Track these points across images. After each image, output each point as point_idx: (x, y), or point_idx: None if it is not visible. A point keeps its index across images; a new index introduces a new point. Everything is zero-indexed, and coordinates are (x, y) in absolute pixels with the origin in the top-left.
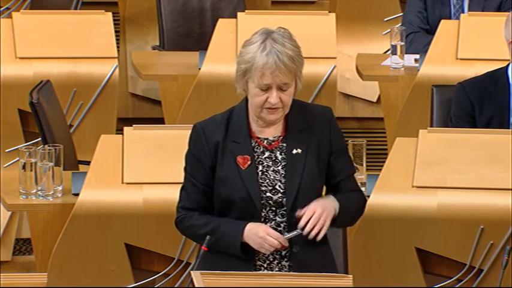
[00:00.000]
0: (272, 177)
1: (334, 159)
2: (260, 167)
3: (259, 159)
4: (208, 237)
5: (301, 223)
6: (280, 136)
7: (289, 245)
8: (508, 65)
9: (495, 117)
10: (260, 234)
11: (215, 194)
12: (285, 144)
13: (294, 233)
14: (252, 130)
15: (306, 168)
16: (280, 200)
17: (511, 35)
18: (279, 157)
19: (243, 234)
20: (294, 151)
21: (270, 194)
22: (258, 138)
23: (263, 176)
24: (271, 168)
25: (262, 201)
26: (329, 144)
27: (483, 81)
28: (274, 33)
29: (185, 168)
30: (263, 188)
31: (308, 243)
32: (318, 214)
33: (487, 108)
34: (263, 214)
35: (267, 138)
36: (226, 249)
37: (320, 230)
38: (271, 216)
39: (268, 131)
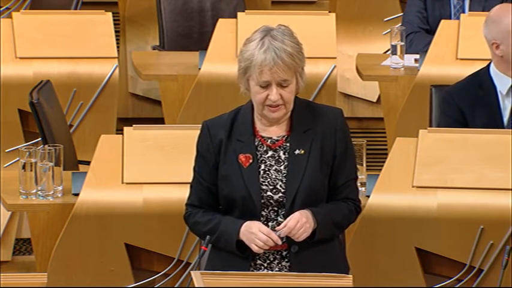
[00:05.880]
0: (274, 177)
1: (337, 162)
2: (262, 166)
3: (262, 158)
4: (208, 237)
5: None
6: (284, 136)
7: (287, 245)
8: (489, 65)
9: (488, 126)
10: (252, 230)
11: (219, 192)
12: (288, 144)
13: (278, 232)
14: (257, 129)
15: (307, 170)
16: (281, 199)
17: (492, 35)
18: (282, 157)
19: (240, 232)
20: (297, 151)
21: (270, 193)
22: (262, 137)
23: (265, 175)
24: (274, 168)
25: (263, 201)
26: (333, 147)
27: (469, 86)
28: (274, 30)
29: (194, 166)
30: (264, 187)
31: (308, 243)
32: (302, 222)
33: (479, 115)
34: (264, 214)
35: (270, 138)
36: (225, 246)
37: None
38: (273, 216)
39: (273, 130)
